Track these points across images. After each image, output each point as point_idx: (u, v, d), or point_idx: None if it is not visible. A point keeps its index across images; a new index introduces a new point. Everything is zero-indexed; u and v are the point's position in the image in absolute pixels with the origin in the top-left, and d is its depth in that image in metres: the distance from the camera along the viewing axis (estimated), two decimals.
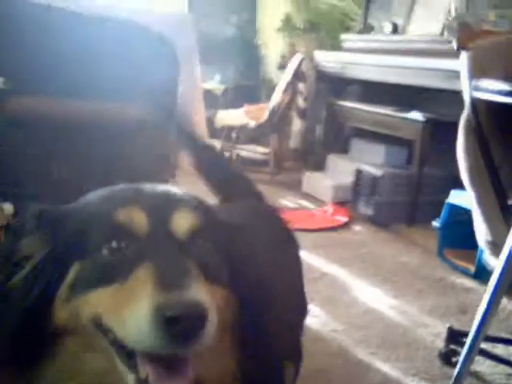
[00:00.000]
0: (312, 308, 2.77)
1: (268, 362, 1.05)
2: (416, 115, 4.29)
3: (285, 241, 1.76)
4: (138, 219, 0.90)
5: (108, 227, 0.90)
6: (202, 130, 3.39)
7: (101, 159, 2.46)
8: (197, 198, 1.01)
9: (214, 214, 1.01)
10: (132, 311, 0.81)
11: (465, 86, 2.00)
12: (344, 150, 5.54)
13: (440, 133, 3.96)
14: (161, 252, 0.87)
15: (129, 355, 0.86)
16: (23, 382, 0.94)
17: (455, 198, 3.42)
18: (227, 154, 6.15)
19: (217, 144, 5.86)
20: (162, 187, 1.00)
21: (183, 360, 0.85)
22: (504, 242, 1.75)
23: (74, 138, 2.46)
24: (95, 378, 0.92)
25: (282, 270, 1.53)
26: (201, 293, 0.82)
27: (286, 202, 4.94)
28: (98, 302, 0.87)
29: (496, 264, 1.79)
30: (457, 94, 2.13)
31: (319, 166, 5.54)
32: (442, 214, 3.54)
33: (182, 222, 0.92)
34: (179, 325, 0.77)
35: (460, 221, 3.29)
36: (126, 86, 2.76)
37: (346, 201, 4.76)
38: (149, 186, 0.99)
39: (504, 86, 1.70)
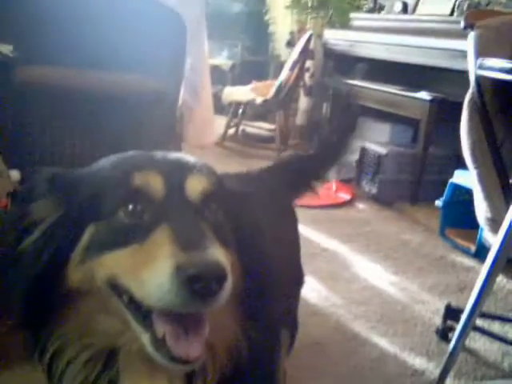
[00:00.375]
0: (312, 282, 2.80)
1: (269, 330, 1.08)
2: (422, 94, 4.28)
3: (286, 213, 1.78)
4: (154, 183, 0.92)
5: (124, 191, 0.92)
6: (208, 104, 3.38)
7: (116, 130, 2.48)
8: (207, 165, 1.02)
9: (222, 182, 1.03)
10: (152, 271, 0.82)
11: (470, 64, 2.00)
12: None
13: (446, 112, 3.96)
14: (177, 215, 0.89)
15: (145, 315, 0.88)
16: (34, 343, 0.97)
17: (459, 177, 3.43)
18: (233, 130, 6.17)
19: (223, 120, 5.89)
20: (173, 154, 1.01)
21: (199, 318, 0.87)
22: (503, 219, 1.76)
23: (90, 107, 2.48)
24: (107, 338, 0.94)
25: (282, 240, 1.56)
26: (220, 254, 0.84)
27: None
28: (114, 263, 0.88)
29: (494, 240, 1.80)
30: (464, 74, 2.13)
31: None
32: (445, 193, 3.54)
33: (196, 186, 0.94)
34: (201, 283, 0.79)
35: (463, 200, 3.31)
36: (139, 58, 2.78)
37: (350, 179, 4.77)
38: (160, 153, 1.00)
39: (507, 64, 1.71)
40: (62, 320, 0.94)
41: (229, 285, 0.83)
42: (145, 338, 0.87)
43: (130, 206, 0.90)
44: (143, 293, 0.83)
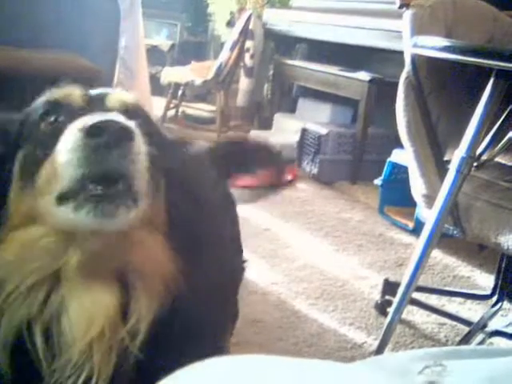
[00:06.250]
0: (253, 261, 2.80)
1: (212, 287, 1.05)
2: (361, 75, 4.33)
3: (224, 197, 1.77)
4: (72, 93, 0.95)
5: (44, 104, 0.94)
6: (145, 85, 3.34)
7: None
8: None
9: (150, 118, 1.05)
10: (61, 144, 0.84)
11: (406, 43, 2.03)
12: (292, 109, 5.56)
13: (385, 93, 4.01)
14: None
15: None
16: None
17: (397, 156, 3.50)
18: (173, 111, 6.10)
19: (162, 101, 5.82)
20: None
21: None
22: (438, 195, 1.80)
23: (18, 87, 2.41)
24: (50, 260, 0.90)
25: (217, 212, 1.54)
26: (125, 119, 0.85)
27: None
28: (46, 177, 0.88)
29: (429, 215, 1.85)
30: (403, 55, 2.16)
31: (266, 125, 5.56)
32: (384, 172, 3.61)
33: (117, 98, 0.98)
34: (102, 134, 0.80)
35: (401, 179, 3.37)
36: (71, 35, 2.71)
37: (292, 159, 4.79)
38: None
39: (440, 42, 1.74)
40: (6, 252, 0.91)
41: (141, 147, 0.85)
42: (69, 210, 0.85)
43: (51, 118, 0.92)
44: (61, 173, 0.83)
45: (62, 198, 0.85)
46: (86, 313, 0.90)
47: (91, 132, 0.80)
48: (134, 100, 1.00)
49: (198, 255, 1.02)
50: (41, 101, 0.97)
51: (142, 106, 1.03)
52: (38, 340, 0.90)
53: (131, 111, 0.96)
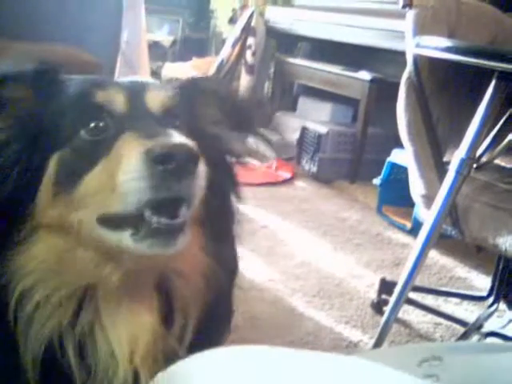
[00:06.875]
0: (250, 259, 2.81)
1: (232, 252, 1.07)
2: (362, 74, 4.33)
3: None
4: (117, 99, 0.92)
5: (86, 108, 0.91)
6: None
7: None
8: (168, 82, 1.06)
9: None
10: (123, 167, 0.80)
11: (408, 44, 2.03)
12: (292, 107, 5.56)
13: (386, 93, 4.00)
14: (140, 124, 0.88)
15: None
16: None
17: (396, 156, 3.49)
18: None
19: None
20: (132, 77, 1.05)
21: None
22: (437, 195, 1.80)
23: None
24: (83, 274, 0.89)
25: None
26: (186, 139, 0.83)
27: None
28: (90, 189, 0.85)
29: (427, 216, 1.85)
30: (405, 55, 2.16)
31: (266, 123, 5.55)
32: (383, 171, 3.61)
33: (156, 99, 0.95)
34: (172, 162, 0.78)
35: (399, 179, 3.37)
36: (73, 28, 2.70)
37: (291, 157, 4.80)
38: (120, 79, 1.03)
39: (443, 42, 1.74)
40: (31, 257, 0.87)
41: (203, 168, 0.83)
42: (125, 238, 0.84)
43: (92, 124, 0.89)
44: (120, 197, 0.81)
45: (116, 223, 0.84)
46: (130, 333, 0.88)
47: (159, 158, 0.78)
48: (171, 97, 0.98)
49: (225, 245, 1.02)
50: (76, 98, 0.93)
51: (178, 101, 1.01)
52: (71, 353, 0.87)
53: (171, 109, 0.96)
